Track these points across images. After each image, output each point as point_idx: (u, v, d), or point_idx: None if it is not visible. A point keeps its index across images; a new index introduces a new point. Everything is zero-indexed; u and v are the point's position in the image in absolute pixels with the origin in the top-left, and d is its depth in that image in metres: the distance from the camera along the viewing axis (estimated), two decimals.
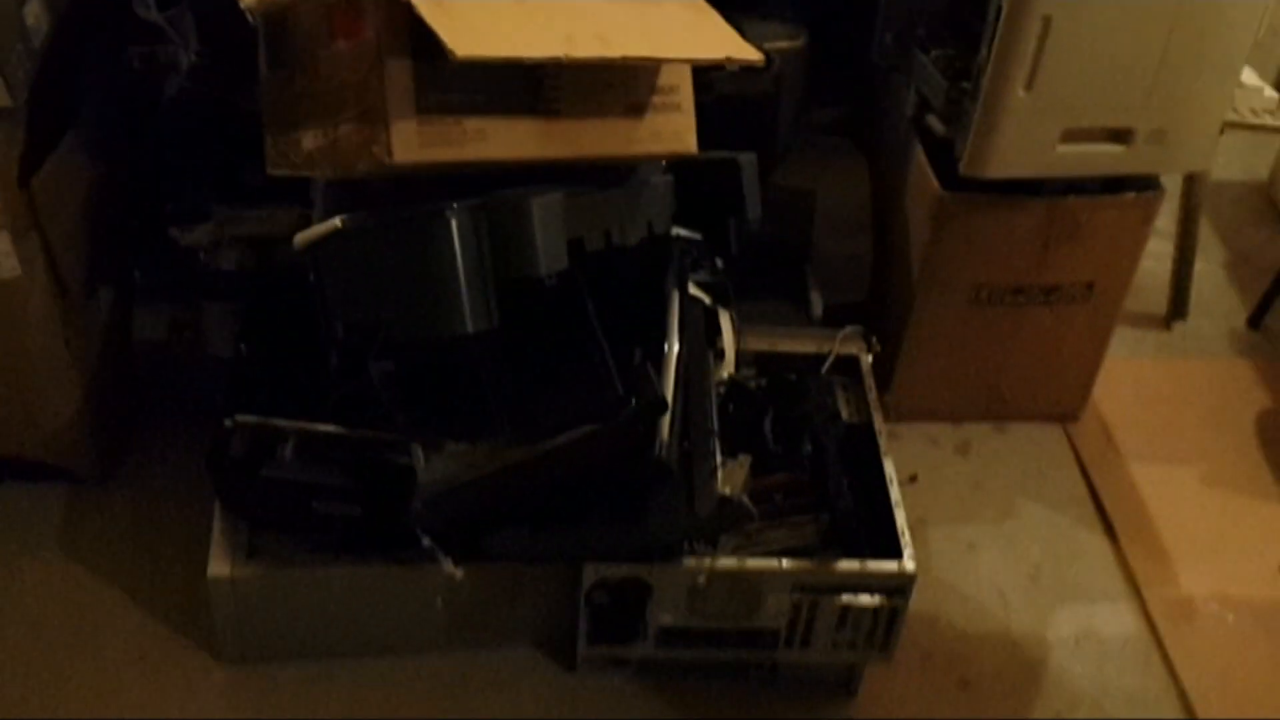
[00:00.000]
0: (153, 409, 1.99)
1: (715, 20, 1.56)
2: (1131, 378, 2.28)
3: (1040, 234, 1.91)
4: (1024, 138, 1.76)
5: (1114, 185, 1.90)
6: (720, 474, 1.56)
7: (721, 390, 1.72)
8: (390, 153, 1.28)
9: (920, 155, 1.95)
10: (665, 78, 1.52)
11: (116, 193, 1.83)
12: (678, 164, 1.61)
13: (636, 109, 1.50)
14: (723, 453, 1.59)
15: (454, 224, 1.30)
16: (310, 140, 1.37)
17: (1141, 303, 2.42)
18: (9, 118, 1.56)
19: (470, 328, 1.30)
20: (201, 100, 1.65)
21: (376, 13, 1.26)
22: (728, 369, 1.75)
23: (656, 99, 1.51)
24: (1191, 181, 2.34)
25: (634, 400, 1.43)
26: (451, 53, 1.19)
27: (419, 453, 1.48)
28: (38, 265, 1.64)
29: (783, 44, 2.00)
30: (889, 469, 1.73)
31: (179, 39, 1.64)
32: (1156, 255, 2.38)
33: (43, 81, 1.60)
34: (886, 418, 1.86)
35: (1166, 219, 2.34)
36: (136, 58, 1.69)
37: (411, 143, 1.30)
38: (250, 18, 1.41)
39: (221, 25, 1.51)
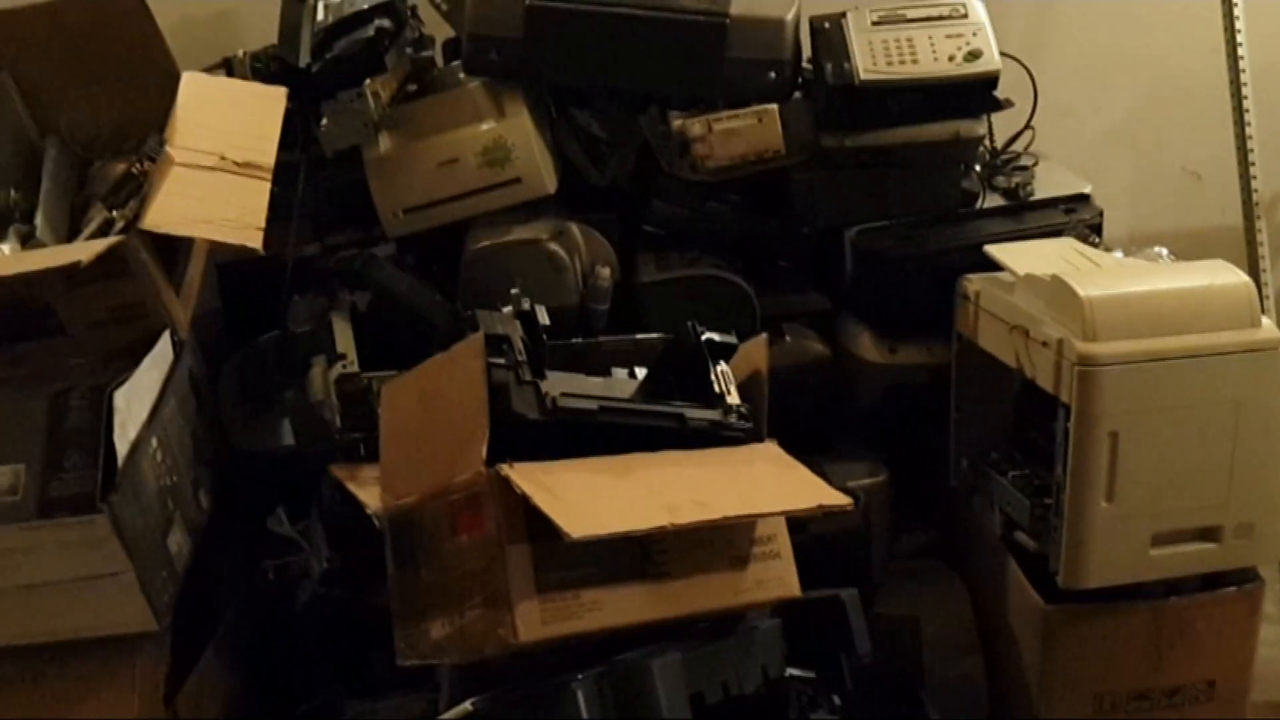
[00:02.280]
0: None
1: (801, 471, 1.65)
2: None
3: (1151, 638, 1.89)
4: (1115, 547, 1.77)
5: (1213, 581, 1.89)
6: None
7: None
8: (516, 634, 1.35)
9: (1016, 572, 1.96)
10: (762, 528, 1.59)
11: (253, 699, 1.88)
12: (783, 606, 1.65)
13: (739, 561, 1.57)
14: None
15: (580, 696, 1.35)
16: (438, 629, 1.45)
17: (1272, 692, 2.35)
18: (155, 640, 1.64)
19: None
20: (333, 601, 1.74)
21: (496, 506, 1.37)
22: None
23: (757, 549, 1.59)
24: None
25: None
26: (567, 535, 1.28)
27: None
28: None
29: (865, 481, 2.09)
30: None
31: (311, 549, 1.75)
32: (1277, 642, 2.34)
33: (184, 602, 1.69)
34: None
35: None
36: (271, 569, 1.78)
37: (534, 622, 1.36)
38: (377, 522, 1.54)
39: (350, 531, 1.64)
